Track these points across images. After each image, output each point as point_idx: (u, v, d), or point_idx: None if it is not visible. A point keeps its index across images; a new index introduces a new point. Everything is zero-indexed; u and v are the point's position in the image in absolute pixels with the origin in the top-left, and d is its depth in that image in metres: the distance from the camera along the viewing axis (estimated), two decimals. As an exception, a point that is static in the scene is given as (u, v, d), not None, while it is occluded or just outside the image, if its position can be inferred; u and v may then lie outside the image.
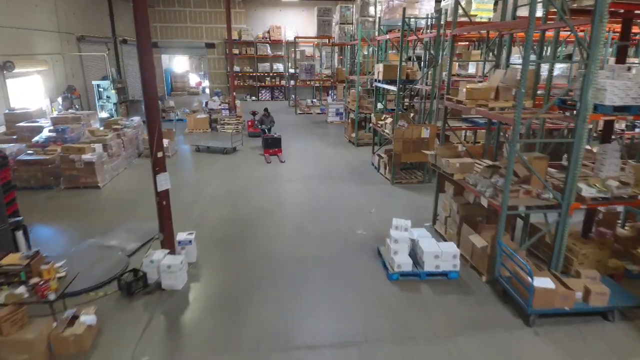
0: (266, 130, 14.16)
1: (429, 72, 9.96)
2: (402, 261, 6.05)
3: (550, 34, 6.70)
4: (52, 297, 4.64)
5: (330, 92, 27.48)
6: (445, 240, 7.28)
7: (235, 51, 27.58)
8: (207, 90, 30.23)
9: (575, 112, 5.46)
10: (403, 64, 10.72)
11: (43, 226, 8.03)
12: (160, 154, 5.90)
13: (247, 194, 9.68)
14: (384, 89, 11.58)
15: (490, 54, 10.60)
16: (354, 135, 14.72)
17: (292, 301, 5.61)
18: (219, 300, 5.67)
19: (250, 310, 5.42)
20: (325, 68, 27.02)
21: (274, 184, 10.45)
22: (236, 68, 28.10)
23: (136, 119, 13.74)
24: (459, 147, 7.48)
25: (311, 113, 22.67)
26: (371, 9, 17.50)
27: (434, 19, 9.97)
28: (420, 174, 10.62)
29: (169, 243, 6.14)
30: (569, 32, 6.57)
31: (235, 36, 27.37)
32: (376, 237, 7.43)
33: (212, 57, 28.33)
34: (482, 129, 9.80)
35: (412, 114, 11.34)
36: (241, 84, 28.40)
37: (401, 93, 10.04)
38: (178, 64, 34.66)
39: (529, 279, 4.99)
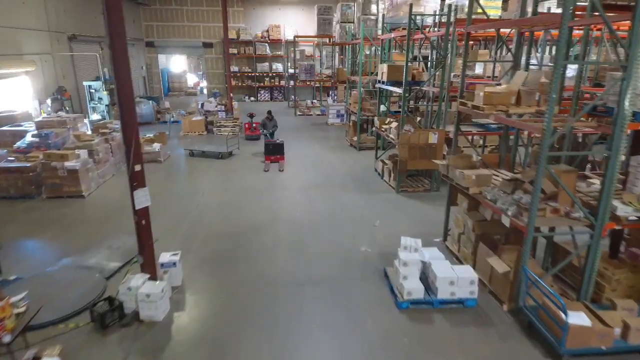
0: (268, 135, 13.25)
1: (437, 73, 9.29)
2: (413, 287, 5.37)
3: (578, 32, 6.01)
4: (7, 338, 3.97)
5: (330, 92, 26.83)
6: (458, 259, 6.60)
7: (234, 51, 26.93)
8: (205, 91, 29.56)
9: (609, 119, 4.79)
10: (408, 64, 10.08)
11: (18, 241, 7.35)
12: (138, 167, 5.21)
13: (242, 205, 9.00)
14: (387, 90, 10.90)
15: (500, 53, 9.97)
16: (355, 139, 14.05)
17: (288, 337, 4.92)
18: (205, 334, 4.99)
19: (241, 348, 4.75)
20: (326, 68, 26.35)
21: (271, 193, 9.77)
22: (234, 68, 27.44)
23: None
24: (474, 157, 6.80)
25: (311, 114, 22.00)
26: (373, 7, 16.84)
27: (442, 16, 9.29)
28: (427, 181, 9.95)
29: (149, 266, 5.47)
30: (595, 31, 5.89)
31: (233, 35, 26.71)
32: (382, 255, 6.75)
33: (209, 56, 27.67)
34: (494, 134, 9.13)
35: (417, 118, 10.66)
36: (240, 84, 27.74)
37: (407, 95, 9.36)
38: (176, 64, 33.98)
39: (562, 315, 4.31)
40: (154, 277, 5.45)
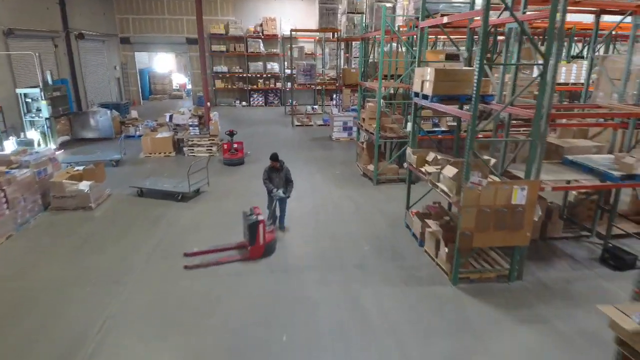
0: (281, 195, 7.21)
1: (516, 82, 5.51)
2: None
3: None
4: None
5: (334, 96, 23.01)
6: None
7: (222, 48, 23.18)
8: (191, 95, 25.78)
9: None
10: (454, 66, 6.30)
11: None
12: None
13: (184, 321, 5.23)
14: (418, 105, 6.96)
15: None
16: (370, 167, 10.26)
17: None
18: None
19: None
20: (329, 68, 22.51)
21: (241, 288, 5.98)
22: (223, 68, 23.68)
23: (44, 148, 9.28)
24: None
25: (311, 124, 18.21)
26: (391, -9, 13.10)
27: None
28: (499, 258, 6.11)
29: None
30: None
31: (221, 30, 22.96)
32: None
33: (194, 54, 23.75)
34: (611, 186, 5.38)
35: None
36: (229, 86, 23.97)
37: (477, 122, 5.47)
38: (161, 62, 30.17)
39: None
40: None
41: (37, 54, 12.91)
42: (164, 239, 7.16)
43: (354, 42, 20.26)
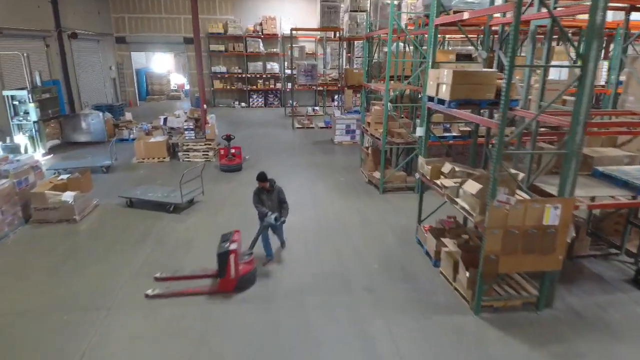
0: (271, 221, 6.08)
1: (542, 86, 4.89)
2: None
3: None
4: None
5: (336, 97, 22.40)
6: None
7: (220, 47, 22.55)
8: (189, 95, 25.13)
9: None
10: (466, 67, 5.70)
11: None
12: None
13: (168, 355, 4.60)
14: (431, 109, 6.31)
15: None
16: (376, 175, 9.64)
17: None
18: None
19: None
20: (330, 68, 21.86)
21: (233, 317, 5.36)
22: (222, 68, 23.05)
23: (26, 156, 8.64)
24: None
25: (312, 127, 17.58)
26: (397, -12, 12.46)
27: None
28: (525, 282, 5.46)
29: None
30: None
31: (219, 29, 22.33)
32: None
33: (192, 54, 22.98)
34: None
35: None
36: (228, 87, 23.34)
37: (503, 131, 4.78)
38: (159, 62, 29.54)
39: None
40: None
41: (25, 54, 12.28)
42: (151, 258, 6.52)
43: (355, 42, 19.64)
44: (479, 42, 10.64)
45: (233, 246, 5.48)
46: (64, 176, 8.20)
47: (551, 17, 4.23)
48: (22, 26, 14.41)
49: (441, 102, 5.53)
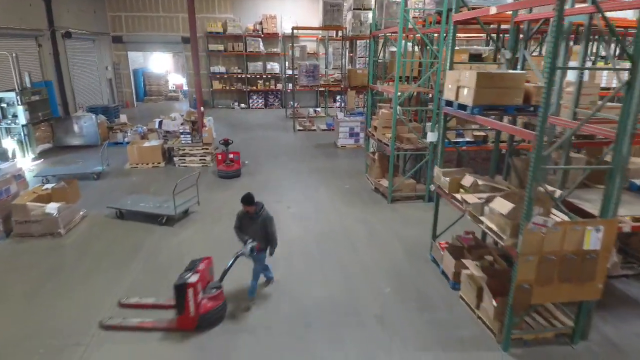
0: (246, 252, 5.07)
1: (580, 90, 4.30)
2: None
3: None
4: None
5: (338, 98, 21.81)
6: None
7: (219, 47, 21.95)
8: (187, 96, 24.55)
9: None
10: (481, 68, 5.12)
11: None
12: None
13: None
14: (449, 115, 5.67)
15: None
16: (383, 182, 9.05)
17: None
18: None
19: None
20: (333, 68, 21.25)
21: (226, 350, 4.78)
22: (221, 68, 22.46)
23: (8, 164, 8.04)
24: None
25: (314, 129, 16.99)
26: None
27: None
28: (561, 315, 4.84)
29: None
30: None
31: (218, 28, 21.74)
32: None
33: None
34: None
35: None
36: (227, 88, 22.75)
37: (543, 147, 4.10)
38: (157, 62, 28.94)
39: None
40: None
41: (13, 55, 11.70)
42: (139, 278, 5.94)
43: (358, 41, 19.05)
44: (489, 41, 10.05)
45: (192, 278, 4.61)
46: (49, 185, 7.61)
47: (600, 12, 3.63)
48: (12, 25, 13.82)
49: (462, 107, 4.94)
